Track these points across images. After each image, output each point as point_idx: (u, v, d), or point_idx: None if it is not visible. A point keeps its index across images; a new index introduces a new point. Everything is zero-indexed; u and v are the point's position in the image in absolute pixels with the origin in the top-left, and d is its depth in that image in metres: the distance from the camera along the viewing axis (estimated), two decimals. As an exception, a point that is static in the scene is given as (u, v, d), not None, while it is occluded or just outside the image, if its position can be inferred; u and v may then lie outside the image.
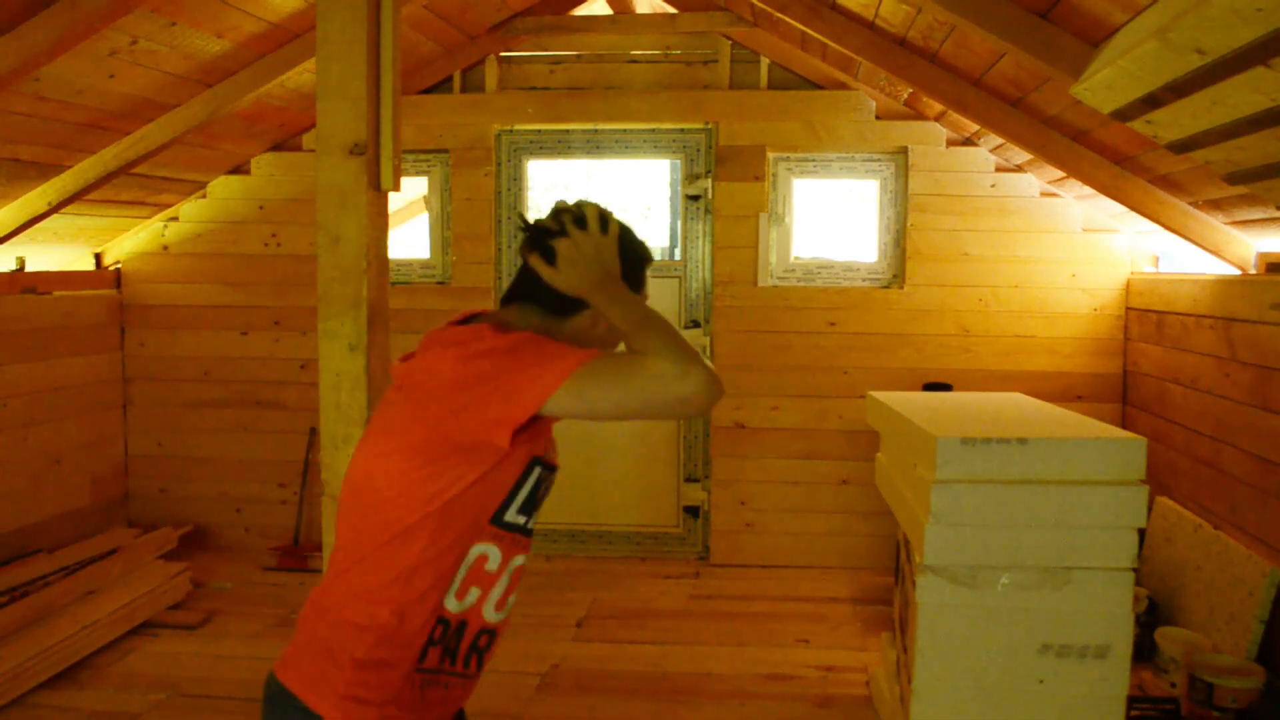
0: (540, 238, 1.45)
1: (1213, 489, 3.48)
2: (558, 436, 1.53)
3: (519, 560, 1.45)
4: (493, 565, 1.41)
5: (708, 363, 1.29)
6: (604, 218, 1.46)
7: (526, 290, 1.47)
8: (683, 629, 3.86)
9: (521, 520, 1.43)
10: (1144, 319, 4.16)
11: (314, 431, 4.72)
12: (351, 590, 1.39)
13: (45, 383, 4.31)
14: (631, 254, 1.47)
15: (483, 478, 1.35)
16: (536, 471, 1.42)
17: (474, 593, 1.40)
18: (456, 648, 1.42)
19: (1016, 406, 2.93)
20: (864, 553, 4.54)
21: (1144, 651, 3.20)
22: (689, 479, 4.74)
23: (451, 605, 1.39)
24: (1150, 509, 2.79)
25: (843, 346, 4.52)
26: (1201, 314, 3.60)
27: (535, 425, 1.34)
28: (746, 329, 4.55)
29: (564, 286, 1.42)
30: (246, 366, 4.81)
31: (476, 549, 1.39)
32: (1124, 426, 4.08)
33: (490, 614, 1.43)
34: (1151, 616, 3.37)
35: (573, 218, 1.44)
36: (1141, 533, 2.36)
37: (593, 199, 1.50)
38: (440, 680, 1.42)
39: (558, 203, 1.51)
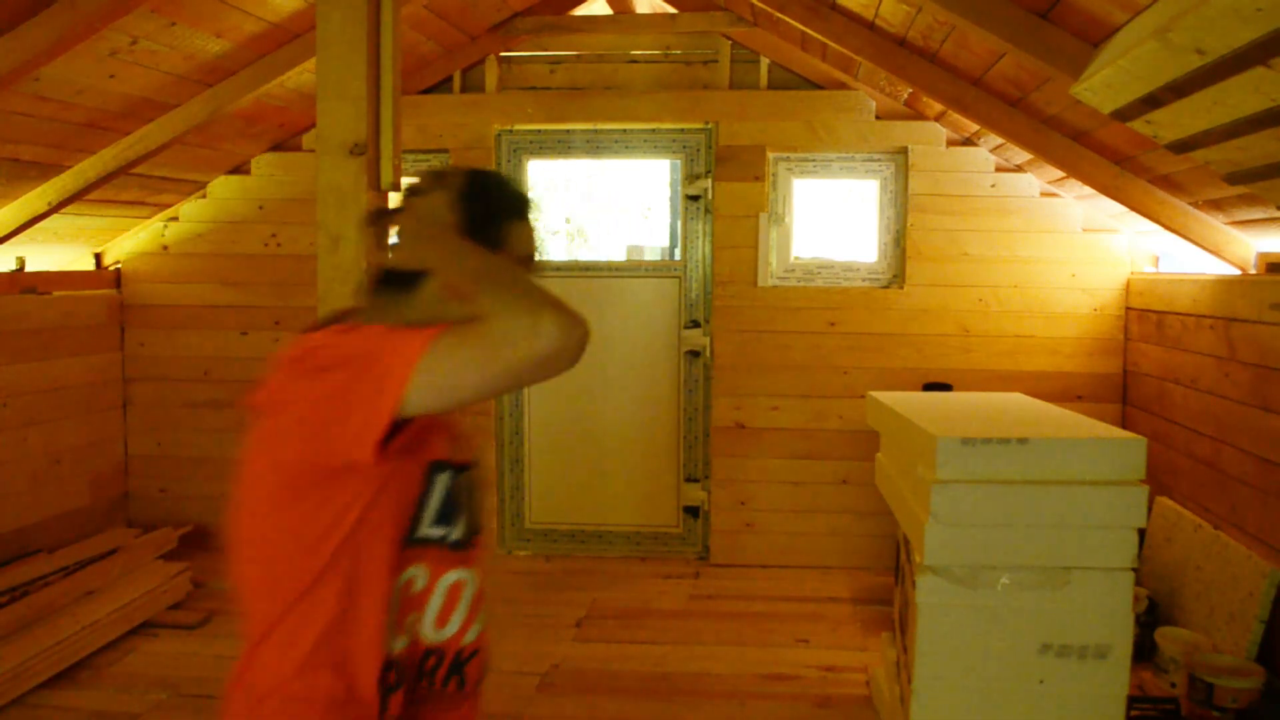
0: (379, 214, 1.34)
1: (1213, 489, 3.48)
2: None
3: (454, 576, 1.29)
4: (419, 586, 1.27)
5: (563, 308, 1.09)
6: (440, 174, 1.30)
7: (381, 275, 1.32)
8: (683, 629, 3.86)
9: (440, 533, 1.27)
10: (1144, 319, 4.16)
11: (314, 431, 4.71)
12: (278, 662, 1.23)
13: (45, 383, 4.31)
14: (482, 204, 1.28)
15: (375, 502, 1.20)
16: (444, 477, 1.27)
17: (412, 619, 1.27)
18: (414, 683, 1.30)
19: (1016, 406, 2.93)
20: (864, 553, 4.54)
21: (1144, 651, 3.19)
22: (689, 479, 4.74)
23: (397, 645, 1.25)
24: (1150, 509, 2.79)
25: (843, 346, 4.52)
26: (1201, 314, 3.60)
27: (414, 427, 1.17)
28: (746, 329, 4.55)
29: (396, 259, 1.26)
30: (246, 366, 4.81)
31: (404, 576, 1.25)
32: (1124, 426, 4.08)
33: (430, 633, 1.29)
34: (1151, 616, 3.37)
35: (412, 188, 1.30)
36: (1141, 533, 2.36)
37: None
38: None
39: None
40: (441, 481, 1.26)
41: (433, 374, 1.10)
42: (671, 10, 4.56)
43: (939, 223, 4.42)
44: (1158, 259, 4.30)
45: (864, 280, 4.57)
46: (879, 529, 4.46)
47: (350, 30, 2.20)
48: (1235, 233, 3.43)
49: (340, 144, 2.22)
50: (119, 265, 4.83)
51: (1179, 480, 3.74)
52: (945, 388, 4.32)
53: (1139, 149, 3.24)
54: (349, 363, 1.14)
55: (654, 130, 4.66)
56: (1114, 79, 2.21)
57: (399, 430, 1.13)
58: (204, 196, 4.77)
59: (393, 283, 1.28)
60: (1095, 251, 4.33)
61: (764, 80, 4.55)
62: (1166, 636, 3.21)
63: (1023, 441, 2.32)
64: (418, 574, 1.26)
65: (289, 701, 1.22)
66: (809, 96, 4.50)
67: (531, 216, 1.36)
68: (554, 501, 4.82)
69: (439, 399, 1.12)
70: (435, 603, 1.28)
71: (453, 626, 1.30)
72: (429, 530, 1.26)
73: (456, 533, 1.29)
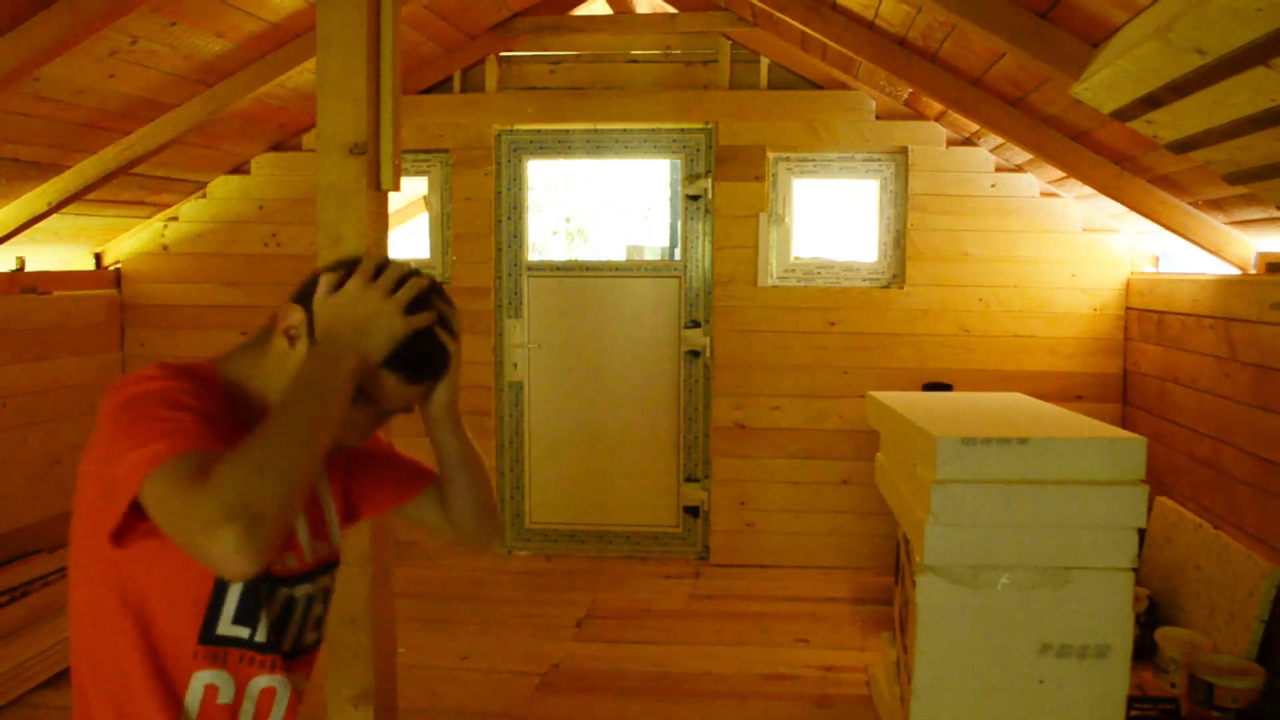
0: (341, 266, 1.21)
1: (1213, 489, 3.48)
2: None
3: (265, 681, 1.16)
4: (225, 697, 1.13)
5: (261, 529, 0.93)
6: (405, 281, 1.16)
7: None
8: (683, 629, 3.86)
9: (244, 633, 1.13)
10: (1144, 319, 4.16)
11: (314, 431, 4.71)
12: None
13: (45, 383, 4.31)
14: (400, 354, 1.14)
15: (154, 584, 1.08)
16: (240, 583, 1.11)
17: None
18: None
19: (1016, 406, 2.93)
20: (864, 553, 4.54)
21: (1144, 651, 3.19)
22: (689, 479, 4.74)
23: None
24: (1150, 509, 2.79)
25: (843, 346, 4.52)
26: (1201, 314, 3.59)
27: None
28: (746, 329, 4.55)
29: (316, 309, 1.15)
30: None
31: (198, 679, 1.12)
32: (1124, 426, 4.08)
33: None
34: (1151, 616, 3.37)
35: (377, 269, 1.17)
36: (1141, 533, 2.36)
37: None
38: None
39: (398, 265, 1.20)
40: (239, 585, 1.12)
41: (154, 493, 0.97)
42: (671, 10, 4.56)
43: (939, 223, 4.42)
44: (1158, 259, 4.30)
45: (864, 280, 4.57)
46: (879, 529, 4.46)
47: (350, 30, 2.20)
48: (1235, 233, 3.43)
49: (340, 144, 2.22)
50: (119, 265, 4.83)
51: (1179, 480, 3.74)
52: (945, 388, 4.32)
53: (1139, 149, 3.24)
54: (113, 428, 1.04)
55: (654, 130, 4.66)
56: (1114, 79, 2.21)
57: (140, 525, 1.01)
58: (204, 196, 4.77)
59: (270, 321, 1.20)
60: (1095, 251, 4.33)
61: (764, 80, 4.55)
62: (1166, 636, 3.21)
63: (1023, 441, 2.32)
64: (220, 681, 1.12)
65: None
66: (809, 96, 4.50)
67: (420, 378, 1.19)
68: (554, 501, 4.81)
69: (154, 518, 0.99)
70: (246, 715, 1.16)
71: None
72: (229, 629, 1.12)
73: (266, 635, 1.14)
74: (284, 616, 1.18)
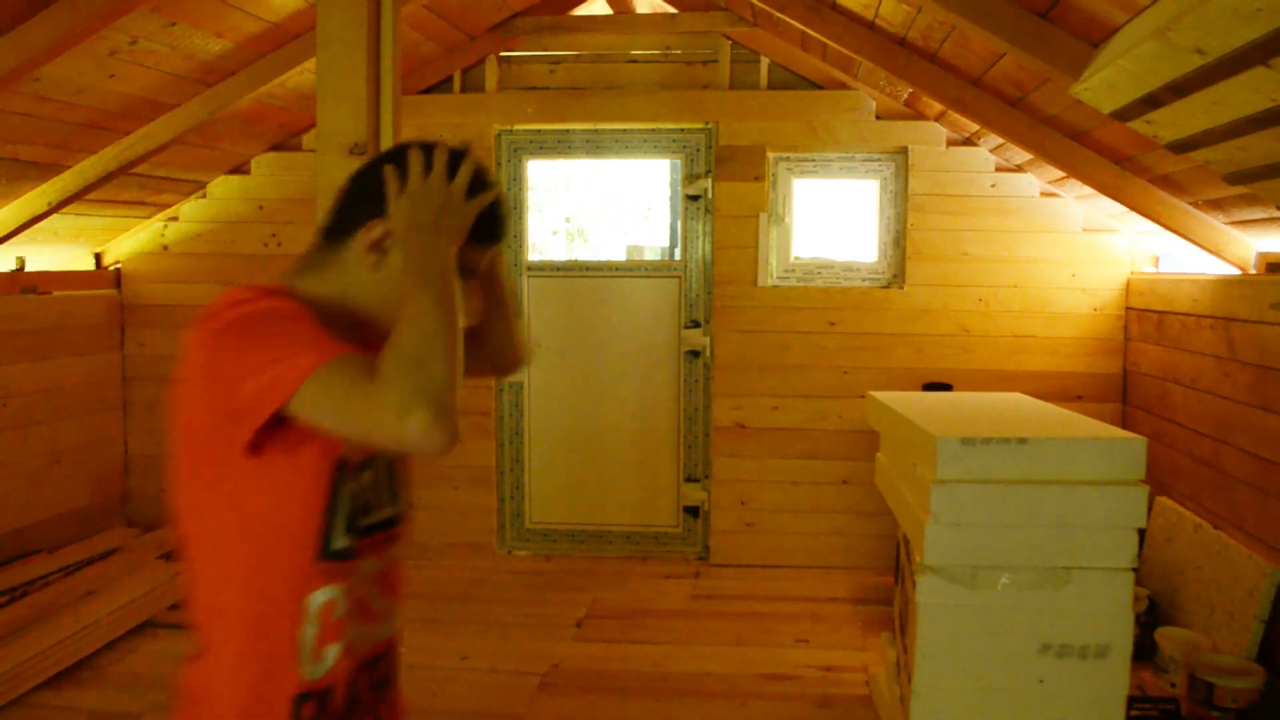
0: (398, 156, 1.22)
1: (1213, 489, 3.48)
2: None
3: (370, 567, 1.21)
4: (340, 611, 1.18)
5: (442, 412, 1.02)
6: (462, 165, 1.21)
7: (325, 224, 1.24)
8: (682, 629, 3.86)
9: (344, 543, 1.17)
10: (1144, 319, 4.16)
11: (314, 431, 4.71)
12: (205, 676, 1.18)
13: (45, 383, 4.31)
14: (474, 229, 1.21)
15: (275, 503, 1.13)
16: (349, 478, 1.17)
17: (332, 649, 1.18)
18: (363, 695, 1.22)
19: (1016, 406, 2.93)
20: (864, 553, 4.54)
21: (1144, 651, 3.19)
22: (689, 479, 4.74)
23: (313, 673, 1.16)
24: (1150, 509, 2.79)
25: (843, 346, 4.52)
26: (1201, 314, 3.60)
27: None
28: (746, 329, 4.55)
29: (392, 216, 1.18)
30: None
31: (317, 596, 1.16)
32: (1124, 426, 4.08)
33: (365, 646, 1.21)
34: (1151, 616, 3.37)
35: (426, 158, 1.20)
36: (1141, 533, 2.36)
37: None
38: None
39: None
40: (348, 484, 1.17)
41: (315, 395, 1.04)
42: (671, 10, 4.56)
43: (939, 223, 4.42)
44: (1158, 259, 4.30)
45: (864, 280, 4.57)
46: (879, 529, 4.46)
47: (350, 30, 2.20)
48: (1235, 233, 3.43)
49: (340, 144, 2.22)
50: (119, 265, 4.83)
51: (1179, 480, 3.74)
52: (945, 388, 4.32)
53: (1139, 149, 3.24)
54: (240, 338, 1.08)
55: (654, 130, 4.66)
56: (1114, 79, 2.21)
57: (285, 430, 1.07)
58: (204, 196, 4.77)
59: (327, 237, 1.22)
60: (1095, 251, 4.33)
61: (764, 80, 4.55)
62: (1166, 636, 3.21)
63: (1023, 441, 2.32)
64: (336, 595, 1.17)
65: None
66: (809, 96, 4.50)
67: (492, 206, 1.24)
68: (554, 501, 4.81)
69: (312, 419, 1.06)
70: (354, 621, 1.20)
71: (326, 660, 1.18)
72: (340, 542, 1.17)
73: (350, 544, 1.17)
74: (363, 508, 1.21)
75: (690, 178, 4.64)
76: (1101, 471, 2.30)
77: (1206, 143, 2.35)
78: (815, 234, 4.87)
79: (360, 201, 1.21)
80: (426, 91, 4.69)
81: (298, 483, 1.13)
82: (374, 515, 1.21)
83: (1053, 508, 2.30)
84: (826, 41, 3.77)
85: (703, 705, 3.21)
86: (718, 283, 4.57)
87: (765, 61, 4.55)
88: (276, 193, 4.73)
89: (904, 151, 4.46)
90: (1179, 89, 2.06)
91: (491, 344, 1.41)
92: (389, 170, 1.19)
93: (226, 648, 1.16)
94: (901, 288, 4.48)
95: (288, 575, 1.15)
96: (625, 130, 4.67)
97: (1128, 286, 4.32)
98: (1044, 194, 4.35)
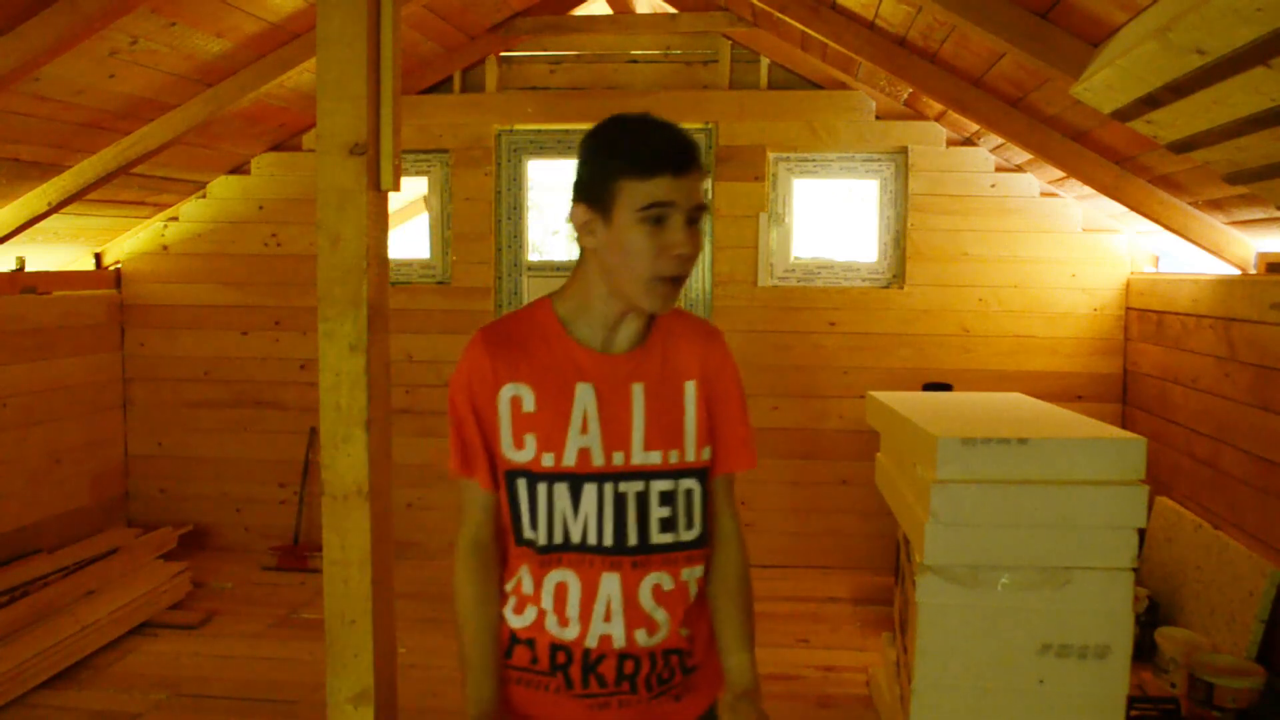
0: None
1: (1213, 489, 3.48)
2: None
3: (559, 576, 1.39)
4: (528, 588, 1.41)
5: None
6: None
7: None
8: (683, 629, 3.85)
9: (533, 536, 1.38)
10: (1144, 319, 4.16)
11: (314, 431, 4.72)
12: None
13: (45, 383, 4.31)
14: (589, 157, 1.35)
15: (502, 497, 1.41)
16: (522, 484, 1.38)
17: (531, 611, 1.41)
18: (541, 660, 1.42)
19: (1016, 406, 2.93)
20: (864, 553, 4.54)
21: (1144, 651, 3.20)
22: (689, 479, 4.73)
23: (512, 621, 1.43)
24: (1150, 509, 2.79)
25: (843, 346, 4.52)
26: (1201, 314, 3.60)
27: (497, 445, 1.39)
28: (746, 329, 4.55)
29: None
30: (246, 366, 4.81)
31: (522, 570, 1.41)
32: (1124, 426, 4.08)
33: (556, 630, 1.40)
34: (1151, 616, 3.37)
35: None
36: (1141, 533, 2.36)
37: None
38: (539, 683, 1.42)
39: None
40: (522, 489, 1.38)
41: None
42: (671, 10, 4.56)
43: (939, 223, 4.42)
44: (1158, 259, 4.30)
45: (864, 280, 4.57)
46: (879, 529, 4.46)
47: (350, 30, 2.20)
48: (1235, 233, 3.43)
49: (340, 144, 2.22)
50: (119, 265, 4.83)
51: (1179, 480, 3.74)
52: (945, 388, 4.32)
53: (1139, 149, 3.24)
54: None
55: (654, 130, 4.65)
56: (1114, 79, 2.21)
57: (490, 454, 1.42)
58: (204, 196, 4.77)
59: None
60: (1095, 251, 4.33)
61: (764, 80, 4.55)
62: (1166, 636, 3.21)
63: (1023, 441, 2.32)
64: (523, 574, 1.42)
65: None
66: (809, 96, 4.50)
67: (666, 163, 1.30)
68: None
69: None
70: (546, 602, 1.39)
71: (575, 626, 1.38)
72: (529, 534, 1.39)
73: (548, 539, 1.37)
74: (618, 513, 1.38)
75: (690, 178, 4.63)
76: (1101, 471, 2.30)
77: (1206, 143, 2.35)
78: (815, 234, 4.87)
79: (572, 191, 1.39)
80: (426, 91, 4.69)
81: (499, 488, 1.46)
82: None
83: (1053, 508, 2.30)
84: (826, 41, 3.77)
85: (703, 705, 3.20)
86: (718, 283, 4.57)
87: (765, 61, 4.55)
88: (276, 193, 4.73)
89: (904, 151, 4.46)
90: (1179, 89, 2.06)
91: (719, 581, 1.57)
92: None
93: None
94: (901, 288, 4.48)
95: (507, 544, 1.47)
96: (625, 130, 4.66)
97: (1128, 286, 4.32)
98: (1044, 194, 4.35)
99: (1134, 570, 2.32)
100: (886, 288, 4.52)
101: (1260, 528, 3.14)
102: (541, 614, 1.40)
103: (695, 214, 1.32)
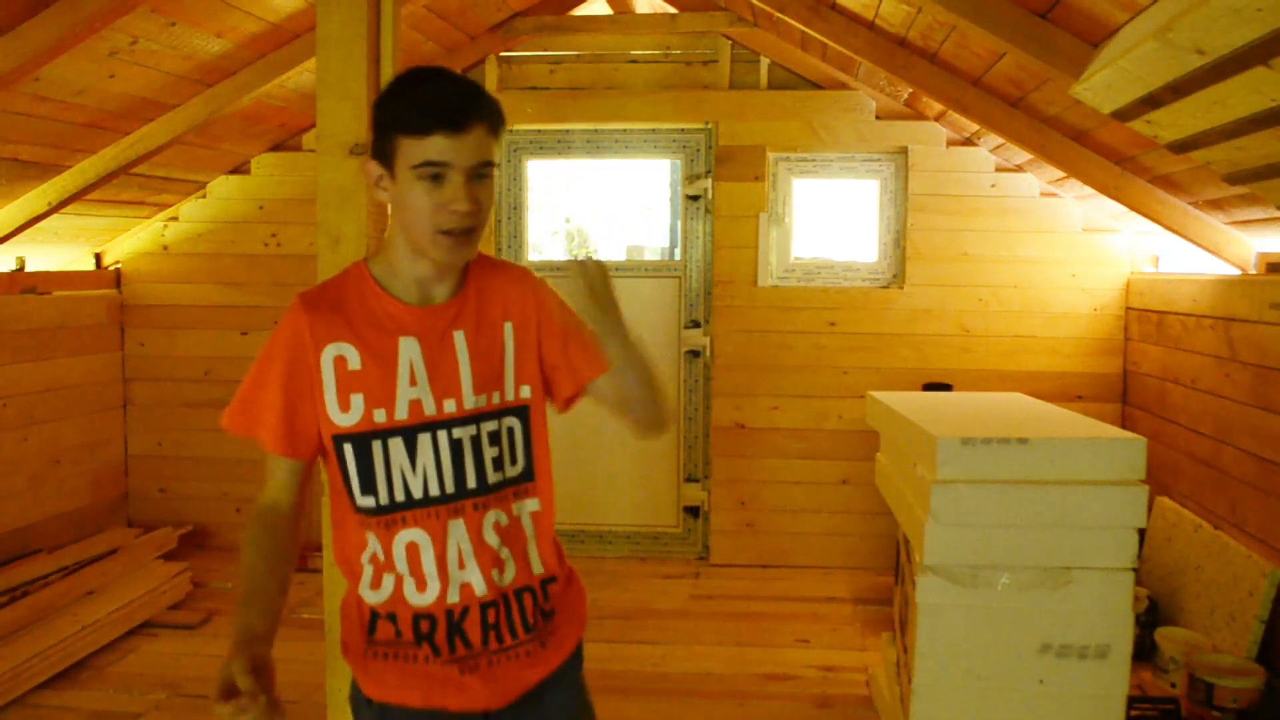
0: None
1: (1213, 489, 3.48)
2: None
3: (408, 536, 1.38)
4: (380, 555, 1.40)
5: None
6: None
7: None
8: (682, 629, 3.86)
9: (370, 502, 1.38)
10: (1144, 319, 4.16)
11: (314, 431, 4.71)
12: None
13: (45, 383, 4.31)
14: (377, 114, 1.36)
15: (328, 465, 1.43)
16: (349, 449, 1.38)
17: (388, 581, 1.41)
18: (405, 633, 1.42)
19: (1016, 406, 2.93)
20: (864, 553, 4.54)
21: (1144, 651, 3.20)
22: (689, 479, 4.74)
23: (370, 597, 1.42)
24: (1150, 509, 2.79)
25: (843, 346, 4.52)
26: (1201, 314, 3.60)
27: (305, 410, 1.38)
28: (746, 329, 4.55)
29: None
30: (246, 366, 4.78)
31: (369, 539, 1.40)
32: (1124, 426, 4.08)
33: (415, 597, 1.40)
34: (1151, 616, 3.37)
35: None
36: (1141, 533, 2.36)
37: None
38: (406, 654, 1.41)
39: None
40: (349, 451, 1.38)
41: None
42: (671, 10, 4.56)
43: (939, 223, 4.42)
44: (1158, 259, 4.30)
45: (864, 280, 4.57)
46: (879, 529, 4.46)
47: (350, 30, 2.20)
48: (1235, 233, 3.43)
49: (340, 144, 2.22)
50: (119, 265, 4.83)
51: (1179, 480, 3.74)
52: (945, 388, 4.32)
53: (1139, 149, 3.24)
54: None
55: (654, 130, 4.66)
56: (1114, 79, 2.21)
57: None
58: (204, 196, 4.77)
59: None
60: (1095, 251, 4.33)
61: (764, 80, 4.55)
62: (1166, 636, 3.21)
63: (1023, 441, 2.32)
64: (370, 540, 1.41)
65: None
66: (809, 96, 4.50)
67: (445, 123, 1.30)
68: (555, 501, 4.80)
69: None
70: (401, 566, 1.39)
71: (431, 587, 1.39)
72: (363, 500, 1.39)
73: (387, 499, 1.37)
74: (456, 458, 1.38)
75: (690, 178, 4.64)
76: (1101, 471, 2.30)
77: (1206, 143, 2.35)
78: (815, 234, 4.87)
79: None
80: (426, 91, 4.68)
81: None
82: None
83: (1053, 508, 2.30)
84: (826, 41, 3.77)
85: (702, 705, 3.21)
86: (718, 283, 4.57)
87: (765, 61, 4.55)
88: (276, 193, 4.73)
89: (904, 151, 4.46)
90: (1179, 89, 2.06)
91: (623, 403, 1.48)
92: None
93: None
94: (901, 288, 4.48)
95: (346, 512, 1.45)
96: (625, 130, 4.67)
97: (1128, 286, 4.32)
98: (1044, 194, 4.35)
99: (1134, 570, 2.32)
100: (886, 288, 4.52)
101: (1260, 528, 3.14)
102: (399, 580, 1.39)
103: (479, 170, 1.32)
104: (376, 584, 1.40)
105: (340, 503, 1.42)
